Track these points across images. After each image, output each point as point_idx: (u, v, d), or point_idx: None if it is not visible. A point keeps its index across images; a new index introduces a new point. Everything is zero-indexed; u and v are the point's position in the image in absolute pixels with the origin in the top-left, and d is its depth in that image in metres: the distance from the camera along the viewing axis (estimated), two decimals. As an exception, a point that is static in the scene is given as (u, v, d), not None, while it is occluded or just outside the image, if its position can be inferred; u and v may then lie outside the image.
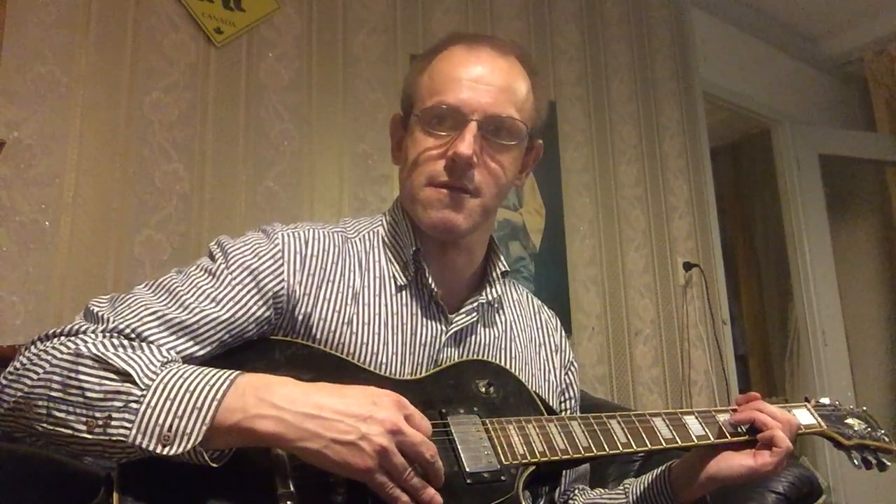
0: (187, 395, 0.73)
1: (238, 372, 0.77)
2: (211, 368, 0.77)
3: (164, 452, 0.71)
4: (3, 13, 1.72)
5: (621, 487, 1.11)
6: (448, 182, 0.96)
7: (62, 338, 0.80)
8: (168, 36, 1.99)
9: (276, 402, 0.73)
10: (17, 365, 0.78)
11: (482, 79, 0.97)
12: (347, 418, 0.73)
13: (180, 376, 0.75)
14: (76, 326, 0.81)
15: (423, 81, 1.01)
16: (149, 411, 0.72)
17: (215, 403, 0.72)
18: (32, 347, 0.80)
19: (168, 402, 0.72)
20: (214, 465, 0.73)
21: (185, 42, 2.02)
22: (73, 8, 1.84)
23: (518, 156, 1.03)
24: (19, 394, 0.76)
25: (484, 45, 1.00)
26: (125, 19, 1.92)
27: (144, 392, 0.73)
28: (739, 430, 1.02)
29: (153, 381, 0.74)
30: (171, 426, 0.71)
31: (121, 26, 1.91)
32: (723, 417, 1.04)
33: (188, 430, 0.71)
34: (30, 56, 1.76)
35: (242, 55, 2.12)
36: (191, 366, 0.78)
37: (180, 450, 0.71)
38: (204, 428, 0.71)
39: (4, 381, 0.78)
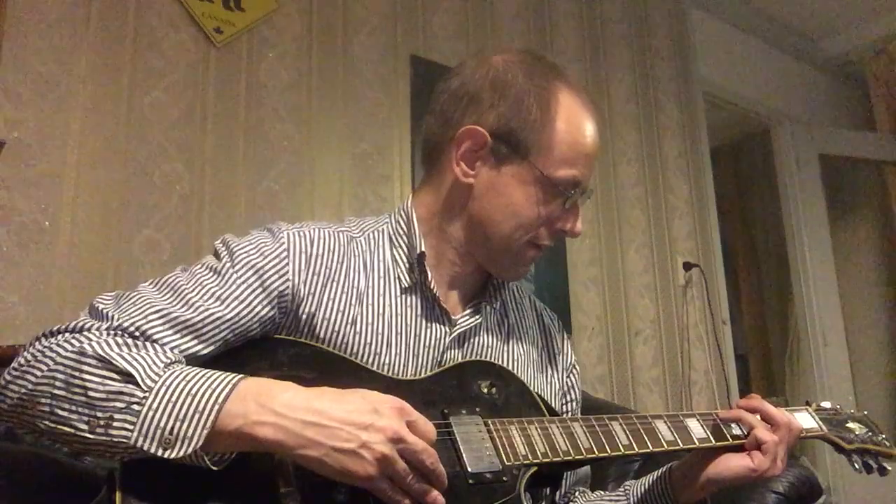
0: (189, 398, 0.73)
1: (241, 376, 0.76)
2: (214, 371, 0.77)
3: (165, 455, 0.71)
4: (3, 13, 1.72)
5: (622, 489, 1.11)
6: (545, 246, 1.01)
7: (66, 334, 0.79)
8: (168, 36, 1.98)
9: (277, 409, 0.73)
10: (22, 361, 0.78)
11: (595, 156, 1.02)
12: (348, 426, 0.73)
13: (183, 379, 0.75)
14: (81, 323, 0.81)
15: (554, 135, 0.98)
16: (150, 414, 0.72)
17: (217, 408, 0.72)
18: (37, 343, 0.79)
19: (170, 406, 0.72)
20: (215, 468, 0.73)
21: (185, 42, 2.01)
22: (73, 8, 1.84)
23: None
24: (23, 390, 0.76)
25: (594, 112, 1.02)
26: (125, 19, 1.92)
27: (146, 394, 0.73)
28: (742, 432, 1.02)
29: (156, 382, 0.74)
30: (172, 429, 0.71)
31: (121, 26, 1.91)
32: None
33: (189, 434, 0.71)
34: (30, 56, 1.76)
35: (242, 55, 2.11)
36: (194, 368, 0.78)
37: (181, 453, 0.71)
38: (205, 432, 0.71)
39: (8, 377, 0.78)
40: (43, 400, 0.74)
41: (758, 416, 1.02)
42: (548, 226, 1.00)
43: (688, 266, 3.20)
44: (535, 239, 1.00)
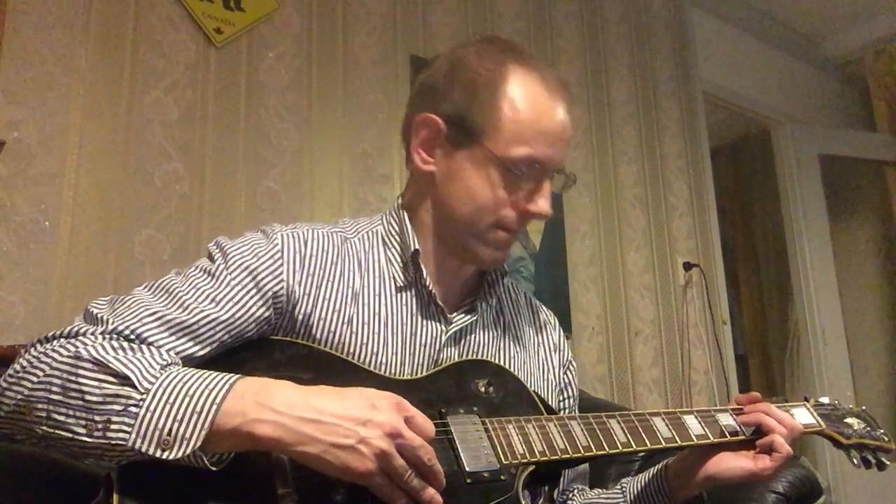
0: (186, 398, 0.73)
1: (238, 376, 0.76)
2: (211, 372, 0.77)
3: (164, 456, 0.71)
4: (3, 13, 1.72)
5: (618, 487, 1.11)
6: (516, 229, 0.99)
7: (62, 340, 0.79)
8: (168, 36, 1.98)
9: (274, 407, 0.73)
10: (18, 367, 0.78)
11: (562, 135, 0.99)
12: (346, 422, 0.73)
13: (180, 380, 0.75)
14: (76, 328, 0.81)
15: (502, 115, 0.96)
16: (148, 415, 0.72)
17: (214, 408, 0.72)
18: (32, 350, 0.79)
19: (167, 407, 0.72)
20: (214, 468, 0.73)
21: (185, 42, 2.02)
22: (73, 8, 1.84)
23: None
24: (19, 396, 0.76)
25: (560, 91, 1.00)
26: (125, 19, 1.92)
27: (144, 396, 0.73)
28: (740, 430, 1.02)
29: (152, 384, 0.74)
30: (170, 430, 0.71)
31: (121, 26, 1.91)
32: (722, 417, 1.04)
33: (187, 435, 0.71)
34: (30, 56, 1.76)
35: (242, 55, 2.12)
36: (190, 369, 0.78)
37: (180, 454, 0.71)
38: (203, 432, 0.71)
39: (4, 384, 0.77)
40: (40, 405, 0.74)
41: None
42: (512, 208, 0.97)
43: (688, 266, 3.20)
44: (500, 222, 0.98)
